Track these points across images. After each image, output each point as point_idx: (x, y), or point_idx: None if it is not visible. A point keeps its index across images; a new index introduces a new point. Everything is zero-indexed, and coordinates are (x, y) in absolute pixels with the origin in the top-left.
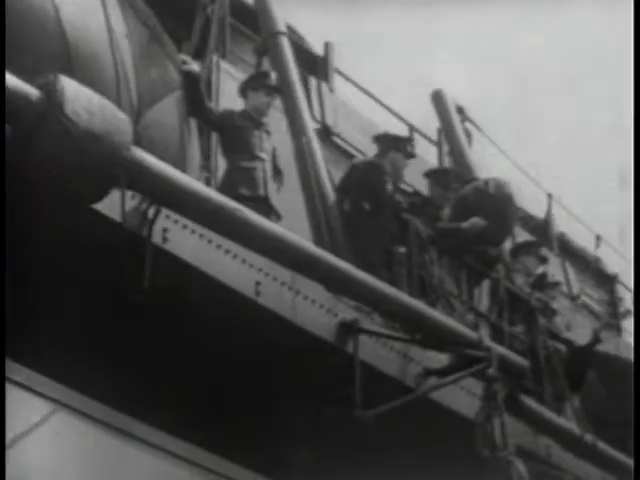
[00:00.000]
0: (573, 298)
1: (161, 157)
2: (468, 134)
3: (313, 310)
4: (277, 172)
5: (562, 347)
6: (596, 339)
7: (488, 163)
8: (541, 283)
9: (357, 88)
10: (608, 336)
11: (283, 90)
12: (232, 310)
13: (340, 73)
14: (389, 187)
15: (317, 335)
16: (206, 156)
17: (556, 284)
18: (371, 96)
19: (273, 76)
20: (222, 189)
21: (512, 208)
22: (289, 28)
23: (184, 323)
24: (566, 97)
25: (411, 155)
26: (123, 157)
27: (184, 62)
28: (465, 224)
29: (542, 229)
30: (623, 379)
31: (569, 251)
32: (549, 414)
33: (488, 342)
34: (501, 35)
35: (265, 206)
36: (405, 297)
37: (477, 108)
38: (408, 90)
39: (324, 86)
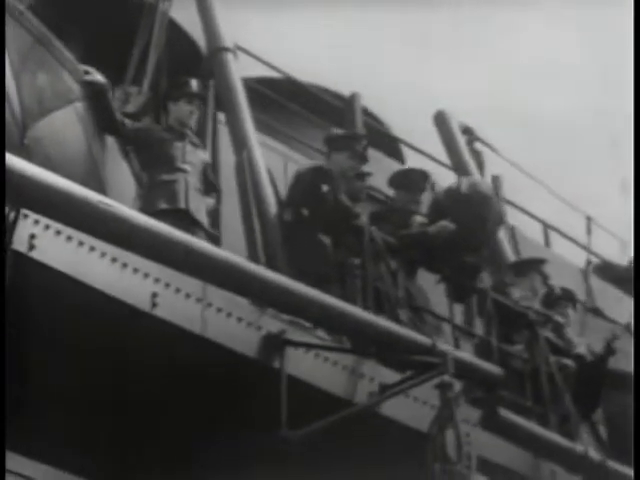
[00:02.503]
0: (594, 310)
1: (61, 173)
2: (478, 155)
3: (229, 324)
4: (210, 185)
5: (571, 363)
6: (608, 351)
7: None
8: (550, 299)
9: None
10: (625, 345)
11: (226, 104)
12: (124, 325)
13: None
14: (337, 192)
15: (233, 350)
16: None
17: (567, 299)
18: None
19: (193, 83)
20: (142, 205)
21: (489, 208)
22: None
23: (69, 343)
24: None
25: (361, 154)
26: None
27: (86, 72)
28: (431, 228)
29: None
30: None
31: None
32: (542, 432)
33: (444, 347)
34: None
35: (187, 218)
36: (339, 303)
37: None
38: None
39: None
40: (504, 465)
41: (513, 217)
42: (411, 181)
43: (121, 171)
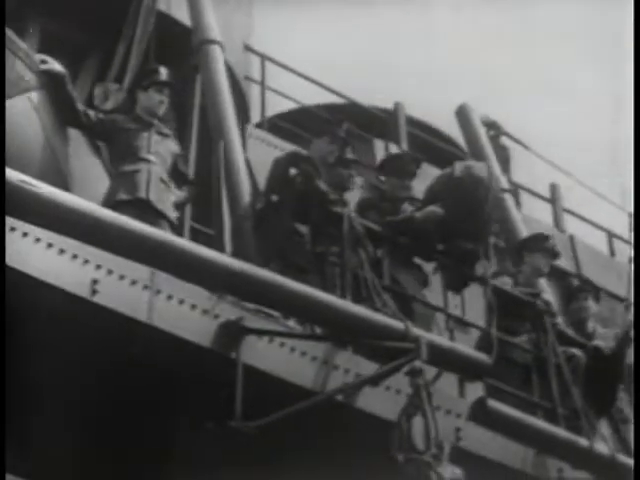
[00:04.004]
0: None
1: (15, 163)
2: (504, 150)
3: (181, 311)
4: (181, 177)
5: (579, 353)
6: (624, 341)
7: (537, 179)
8: (570, 290)
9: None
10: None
11: (208, 95)
12: (65, 314)
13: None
14: (314, 178)
15: (184, 338)
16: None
17: (588, 290)
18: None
19: (163, 71)
20: (105, 197)
21: (484, 192)
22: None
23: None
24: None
25: (341, 139)
26: None
27: (43, 61)
28: (418, 214)
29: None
30: None
31: None
32: (539, 425)
33: (417, 332)
34: None
35: (149, 208)
36: (303, 289)
37: None
38: None
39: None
40: (504, 463)
41: (572, 225)
42: (401, 166)
43: (92, 165)
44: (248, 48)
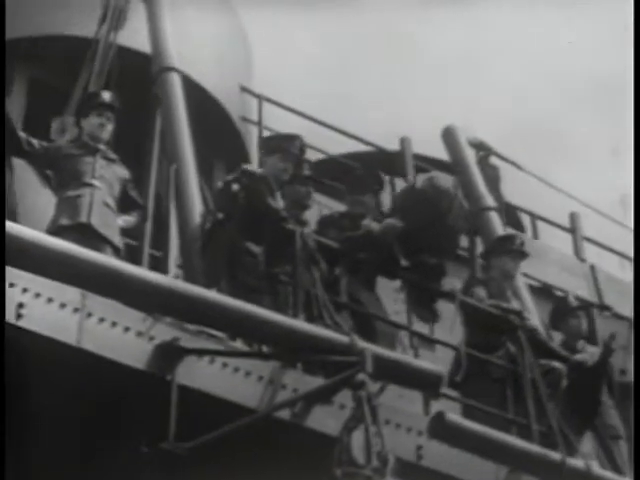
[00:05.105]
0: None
1: None
2: (494, 170)
3: (113, 334)
4: (131, 202)
5: (559, 366)
6: (607, 352)
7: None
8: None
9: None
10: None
11: (165, 121)
12: None
13: None
14: (265, 195)
15: (117, 362)
16: None
17: (581, 308)
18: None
19: (105, 95)
20: (49, 223)
21: (448, 204)
22: None
23: None
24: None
25: (295, 155)
26: None
27: None
28: (376, 228)
29: None
30: None
31: None
32: (505, 439)
33: (363, 345)
34: None
35: (91, 233)
36: (242, 306)
37: None
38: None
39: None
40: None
41: (592, 254)
42: (360, 182)
43: (40, 194)
44: (245, 89)
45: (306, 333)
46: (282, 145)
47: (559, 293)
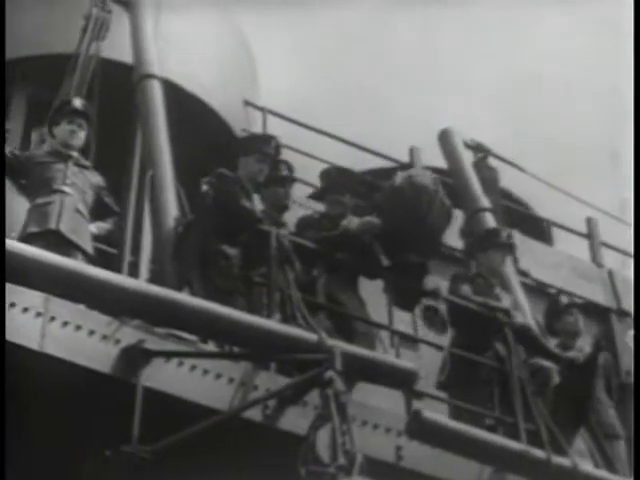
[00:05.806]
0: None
1: None
2: (492, 171)
3: (77, 337)
4: (106, 209)
5: (550, 365)
6: (597, 350)
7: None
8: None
9: None
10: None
11: (143, 125)
12: None
13: None
14: (240, 196)
15: (81, 365)
16: None
17: (575, 307)
18: None
19: (76, 102)
20: (20, 231)
21: (427, 201)
22: None
23: None
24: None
25: (270, 156)
26: None
27: None
28: (353, 226)
29: None
30: None
31: None
32: (486, 437)
33: (331, 342)
34: None
35: (60, 240)
36: (207, 306)
37: None
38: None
39: None
40: None
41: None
42: (336, 182)
43: (14, 202)
44: (248, 103)
45: (274, 332)
46: (257, 146)
47: (578, 300)
